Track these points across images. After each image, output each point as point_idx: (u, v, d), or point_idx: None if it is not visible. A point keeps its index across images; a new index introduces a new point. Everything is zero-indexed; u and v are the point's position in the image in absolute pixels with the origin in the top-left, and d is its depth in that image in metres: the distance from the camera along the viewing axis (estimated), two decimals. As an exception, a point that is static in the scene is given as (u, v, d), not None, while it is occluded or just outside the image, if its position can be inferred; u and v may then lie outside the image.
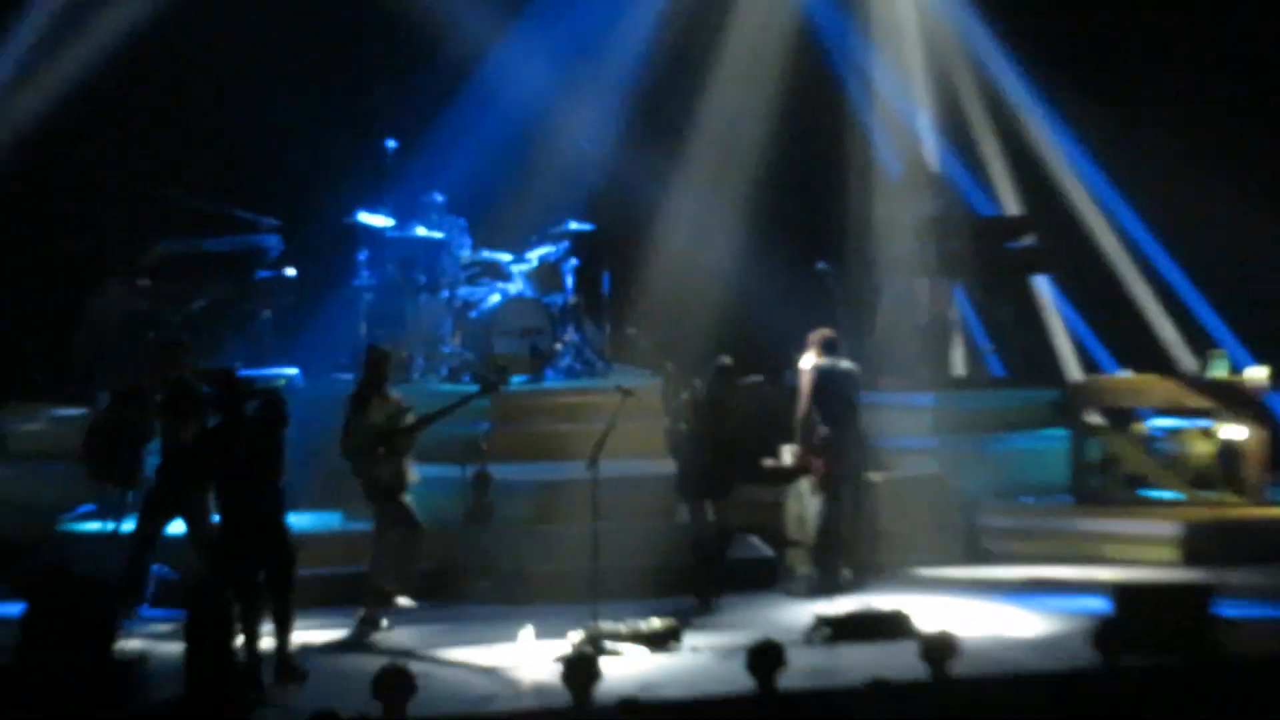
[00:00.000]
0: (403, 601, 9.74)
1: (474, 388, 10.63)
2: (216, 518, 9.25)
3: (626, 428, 10.34)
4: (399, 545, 9.75)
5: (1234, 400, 12.66)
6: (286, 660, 8.55)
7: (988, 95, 14.52)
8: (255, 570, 8.57)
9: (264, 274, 12.60)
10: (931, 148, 14.21)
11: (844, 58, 14.74)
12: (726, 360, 10.82)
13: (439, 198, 12.74)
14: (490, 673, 9.19)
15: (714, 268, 14.15)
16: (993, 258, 13.84)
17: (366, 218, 12.37)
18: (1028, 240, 13.93)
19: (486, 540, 10.68)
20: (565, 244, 12.74)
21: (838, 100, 14.58)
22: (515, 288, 12.66)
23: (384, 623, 9.70)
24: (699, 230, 14.27)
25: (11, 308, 12.97)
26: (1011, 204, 14.58)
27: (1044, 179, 14.51)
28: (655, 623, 9.74)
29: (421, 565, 10.12)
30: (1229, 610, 9.63)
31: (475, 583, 10.69)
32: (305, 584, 9.41)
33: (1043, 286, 14.53)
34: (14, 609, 8.87)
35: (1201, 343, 13.84)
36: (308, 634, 9.51)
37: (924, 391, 13.16)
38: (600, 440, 9.86)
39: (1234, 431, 12.29)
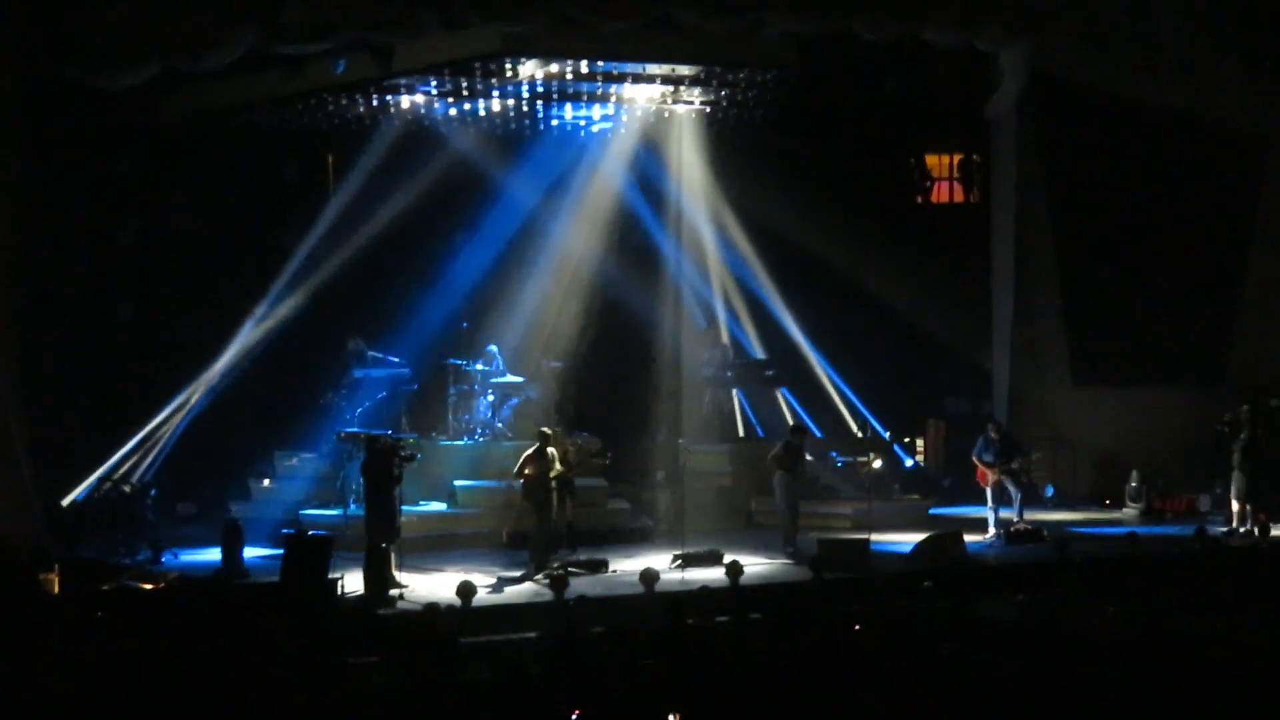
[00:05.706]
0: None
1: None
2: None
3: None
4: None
5: (876, 447, 18.59)
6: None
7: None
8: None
9: (407, 388, 17.95)
10: (720, 311, 20.35)
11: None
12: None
13: (493, 349, 18.18)
14: (514, 582, 14.03)
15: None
16: (752, 378, 20.15)
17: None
18: (769, 369, 20.03)
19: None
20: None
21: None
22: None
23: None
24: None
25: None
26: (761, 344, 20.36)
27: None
28: (595, 558, 14.77)
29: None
30: (875, 548, 14.71)
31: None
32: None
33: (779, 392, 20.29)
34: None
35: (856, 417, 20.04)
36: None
37: (724, 442, 19.34)
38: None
39: (876, 462, 16.86)
